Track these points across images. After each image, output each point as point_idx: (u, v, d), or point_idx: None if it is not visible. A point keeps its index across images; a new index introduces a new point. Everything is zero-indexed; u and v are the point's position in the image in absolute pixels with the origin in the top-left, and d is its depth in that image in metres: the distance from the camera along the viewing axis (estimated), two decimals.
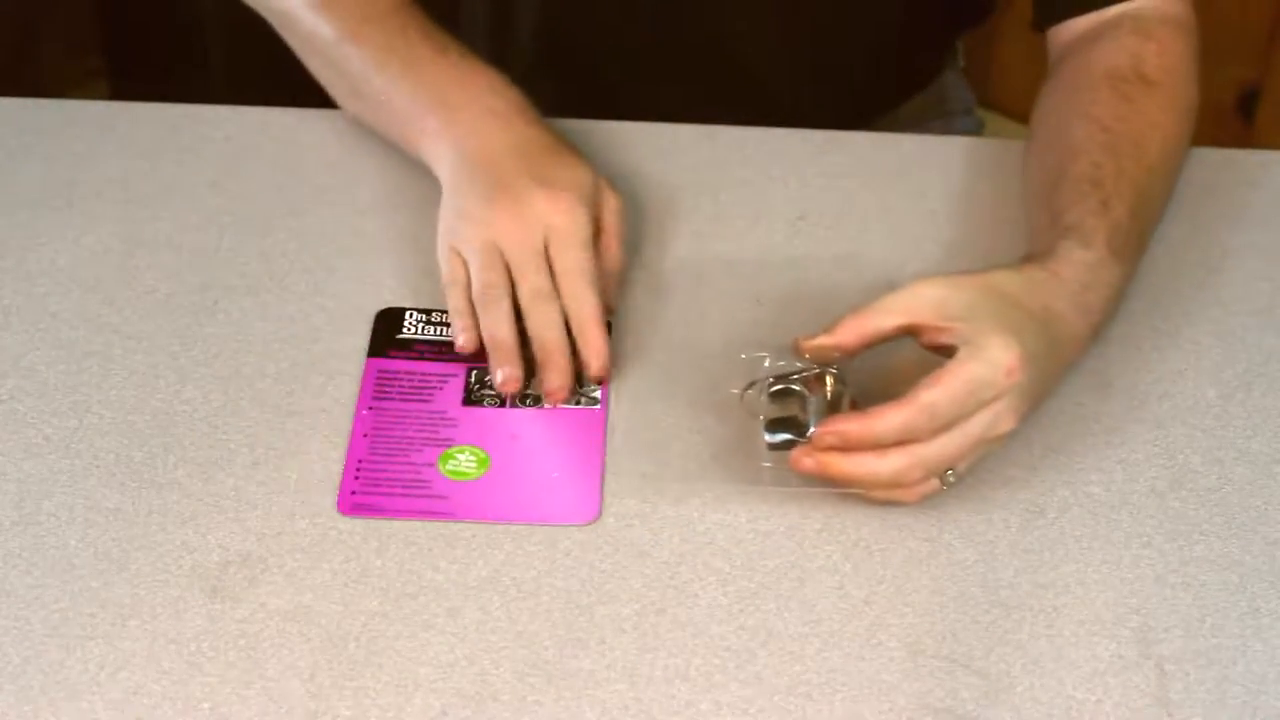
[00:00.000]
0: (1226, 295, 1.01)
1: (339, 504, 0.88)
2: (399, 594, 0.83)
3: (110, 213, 1.05)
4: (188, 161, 1.09)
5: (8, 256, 1.02)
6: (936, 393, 0.82)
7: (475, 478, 0.89)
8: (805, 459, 0.84)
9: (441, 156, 0.99)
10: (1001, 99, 1.91)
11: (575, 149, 0.99)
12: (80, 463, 0.89)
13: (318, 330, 0.97)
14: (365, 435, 0.91)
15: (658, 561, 0.85)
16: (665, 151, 1.09)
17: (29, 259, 1.01)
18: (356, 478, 0.89)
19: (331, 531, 0.86)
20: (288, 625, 0.82)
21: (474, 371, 0.95)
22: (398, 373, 0.95)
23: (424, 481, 0.89)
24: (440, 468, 0.90)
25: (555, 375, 0.91)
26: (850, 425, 0.83)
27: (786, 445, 0.86)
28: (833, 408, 0.87)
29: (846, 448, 0.83)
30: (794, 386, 0.89)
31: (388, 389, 0.94)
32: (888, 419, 0.82)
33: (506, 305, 0.92)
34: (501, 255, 0.93)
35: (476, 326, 0.93)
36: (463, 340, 0.93)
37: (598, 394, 0.93)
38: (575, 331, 0.92)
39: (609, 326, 0.94)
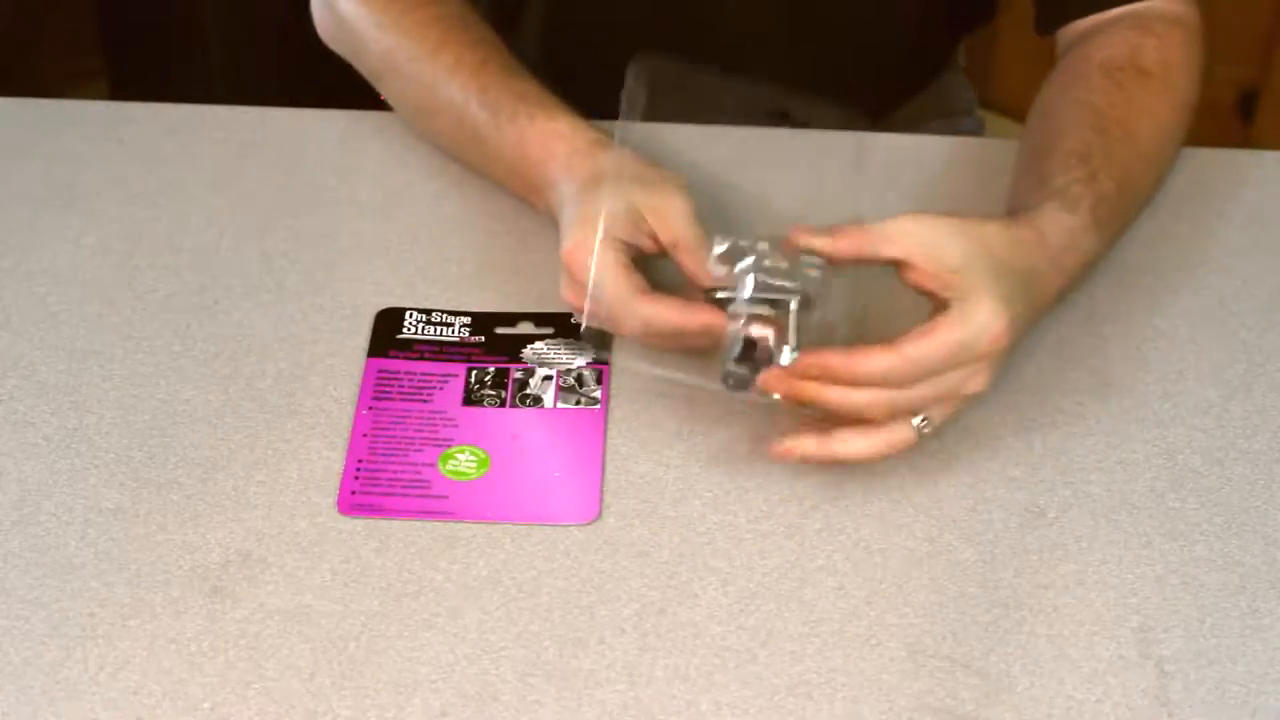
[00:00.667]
0: (1227, 295, 1.01)
1: (339, 504, 0.88)
2: (399, 594, 0.83)
3: (110, 213, 1.05)
4: (188, 161, 1.09)
5: (8, 256, 1.02)
6: (923, 346, 0.84)
7: (475, 478, 0.89)
8: (777, 379, 0.85)
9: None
10: (1001, 99, 1.91)
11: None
12: (80, 463, 0.89)
13: (318, 330, 0.97)
14: (365, 435, 0.91)
15: (658, 561, 0.85)
16: (665, 151, 1.09)
17: (29, 259, 1.01)
18: (356, 478, 0.89)
19: (331, 531, 0.86)
20: (288, 625, 0.82)
21: (474, 371, 0.95)
22: (398, 373, 0.95)
23: (424, 481, 0.89)
24: (440, 468, 0.90)
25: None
26: (834, 359, 0.84)
27: (748, 371, 0.87)
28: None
29: (824, 378, 0.84)
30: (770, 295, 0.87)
31: (388, 389, 0.94)
32: (873, 360, 0.84)
33: None
34: None
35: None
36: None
37: (598, 394, 0.93)
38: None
39: None
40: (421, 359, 0.96)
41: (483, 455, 0.91)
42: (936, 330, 0.84)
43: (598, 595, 0.84)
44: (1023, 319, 0.88)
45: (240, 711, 0.78)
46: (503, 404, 0.93)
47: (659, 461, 0.90)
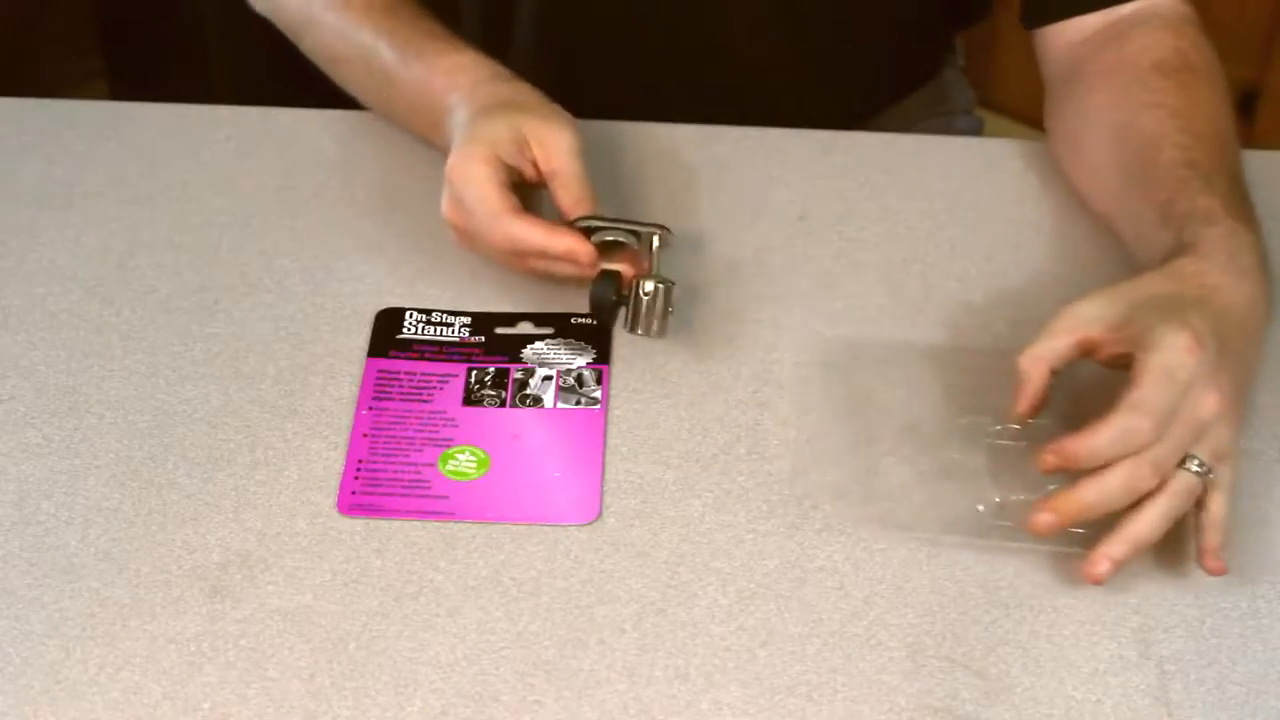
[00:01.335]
0: None
1: (339, 504, 0.88)
2: (399, 594, 0.83)
3: (110, 213, 1.05)
4: (188, 161, 1.09)
5: (8, 256, 1.02)
6: (1137, 393, 0.81)
7: (475, 478, 0.89)
8: (1042, 518, 0.82)
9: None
10: (1001, 99, 1.91)
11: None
12: (80, 463, 0.89)
13: (318, 330, 0.97)
14: (365, 435, 0.91)
15: (657, 561, 0.85)
16: (665, 151, 1.09)
17: (29, 259, 1.01)
18: (356, 478, 0.89)
19: (331, 531, 0.86)
20: (288, 625, 0.82)
21: (474, 371, 0.95)
22: (398, 373, 0.95)
23: (424, 481, 0.89)
24: (440, 468, 0.90)
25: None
26: (1069, 442, 0.81)
27: (613, 297, 0.93)
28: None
29: (1064, 464, 0.82)
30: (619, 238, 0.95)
31: (388, 389, 0.94)
32: (1104, 426, 0.81)
33: None
34: None
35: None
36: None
37: (598, 394, 0.93)
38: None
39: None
40: (421, 359, 0.96)
41: (483, 455, 0.91)
42: (1135, 373, 0.82)
43: (598, 595, 0.84)
44: (1217, 329, 0.85)
45: (240, 711, 0.78)
46: (503, 404, 0.93)
47: (659, 461, 0.90)
